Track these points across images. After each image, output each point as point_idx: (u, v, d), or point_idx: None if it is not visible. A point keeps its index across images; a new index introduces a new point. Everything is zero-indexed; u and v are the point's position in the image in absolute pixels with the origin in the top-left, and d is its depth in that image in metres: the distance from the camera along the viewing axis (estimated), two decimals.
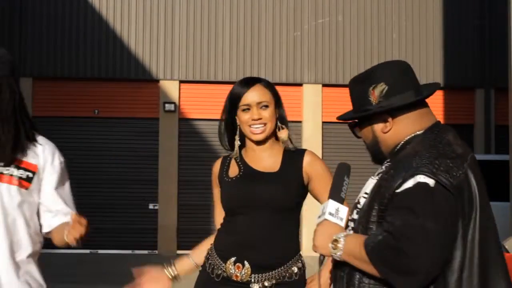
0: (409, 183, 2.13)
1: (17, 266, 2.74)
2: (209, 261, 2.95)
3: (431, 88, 2.40)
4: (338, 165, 2.48)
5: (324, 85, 15.11)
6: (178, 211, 14.48)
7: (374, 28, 15.32)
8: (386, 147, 2.36)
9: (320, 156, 14.75)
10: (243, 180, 2.93)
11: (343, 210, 2.33)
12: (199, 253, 3.03)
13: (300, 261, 2.95)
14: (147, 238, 14.64)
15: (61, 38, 14.56)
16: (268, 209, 2.87)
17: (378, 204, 2.21)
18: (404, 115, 2.29)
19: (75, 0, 14.82)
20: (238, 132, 2.96)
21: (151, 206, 14.79)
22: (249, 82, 2.98)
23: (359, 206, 2.33)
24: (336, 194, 2.36)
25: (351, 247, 2.20)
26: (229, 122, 2.98)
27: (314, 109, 14.99)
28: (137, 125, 14.85)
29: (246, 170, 2.94)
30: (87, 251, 13.51)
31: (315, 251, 2.32)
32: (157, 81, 14.90)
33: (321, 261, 2.38)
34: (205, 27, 15.01)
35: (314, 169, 2.95)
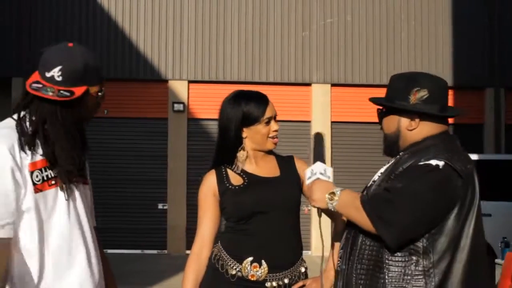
0: (423, 162, 2.48)
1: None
2: (221, 262, 3.07)
3: (455, 111, 2.86)
4: (314, 135, 2.88)
5: (333, 85, 15.09)
6: (187, 211, 14.49)
7: (382, 28, 15.30)
8: (404, 142, 2.66)
9: (329, 156, 14.83)
10: (253, 186, 3.09)
11: (329, 169, 2.73)
12: (194, 283, 3.13)
13: (304, 262, 3.15)
14: (156, 238, 14.67)
15: (70, 39, 14.56)
16: (281, 211, 3.05)
17: (389, 177, 2.56)
18: (428, 121, 2.63)
19: (84, 1, 14.88)
20: (244, 145, 3.15)
21: (160, 206, 14.82)
22: (264, 98, 3.19)
23: (373, 183, 2.67)
24: (320, 157, 2.76)
25: (346, 199, 2.57)
26: (233, 138, 3.14)
27: (322, 109, 14.98)
28: (146, 125, 14.89)
29: (251, 178, 3.12)
30: None
31: (313, 206, 2.69)
32: (166, 81, 14.93)
33: (319, 213, 2.78)
34: (213, 27, 15.03)
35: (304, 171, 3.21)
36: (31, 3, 14.73)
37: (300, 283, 3.07)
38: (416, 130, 2.63)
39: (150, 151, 14.82)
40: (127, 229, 14.56)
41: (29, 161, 2.50)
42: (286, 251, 3.06)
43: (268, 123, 3.11)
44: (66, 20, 14.76)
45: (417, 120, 2.63)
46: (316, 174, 2.69)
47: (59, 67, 2.53)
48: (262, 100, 3.14)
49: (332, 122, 14.98)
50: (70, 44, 2.62)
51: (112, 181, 14.55)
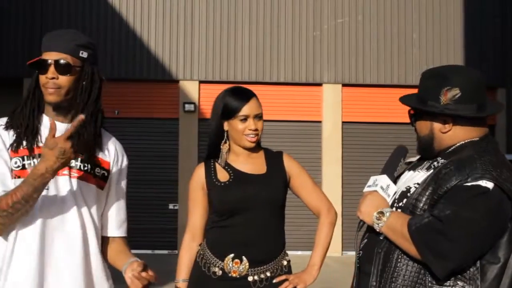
0: (470, 183, 2.28)
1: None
2: (204, 261, 3.16)
3: (495, 107, 2.55)
4: (397, 147, 2.70)
5: (344, 85, 15.06)
6: None
7: (394, 28, 15.25)
8: (439, 145, 2.50)
9: (340, 156, 14.82)
10: (237, 183, 3.15)
11: (393, 188, 2.54)
12: (187, 272, 3.23)
13: (287, 255, 3.22)
14: (167, 238, 14.69)
15: None
16: (263, 208, 3.11)
17: (432, 194, 2.37)
18: (464, 122, 2.45)
19: (95, 1, 14.92)
20: (226, 138, 3.22)
21: (171, 206, 14.85)
22: (247, 95, 3.20)
23: (409, 194, 2.48)
24: (390, 172, 2.59)
25: (394, 223, 2.39)
26: (215, 130, 3.22)
27: (333, 109, 14.95)
28: (157, 125, 14.92)
29: (237, 174, 3.18)
30: None
31: (359, 216, 2.53)
32: (177, 81, 14.95)
33: (360, 226, 2.60)
34: (224, 27, 15.03)
35: (293, 169, 3.26)
36: (43, 5, 14.79)
37: (283, 277, 3.13)
38: (451, 133, 2.46)
39: (161, 151, 14.84)
40: (138, 229, 14.56)
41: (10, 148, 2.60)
42: (268, 246, 3.13)
43: (244, 120, 3.14)
44: (78, 21, 14.80)
45: (450, 122, 2.46)
46: (377, 186, 2.54)
47: None
48: (243, 97, 3.17)
49: (343, 122, 14.94)
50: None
51: None
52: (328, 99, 14.99)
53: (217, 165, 3.22)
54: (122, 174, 2.83)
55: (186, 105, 14.77)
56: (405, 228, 2.33)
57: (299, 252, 12.17)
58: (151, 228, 14.68)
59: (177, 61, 14.95)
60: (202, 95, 14.94)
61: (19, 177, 2.55)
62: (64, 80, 2.59)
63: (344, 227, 14.19)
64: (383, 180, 2.55)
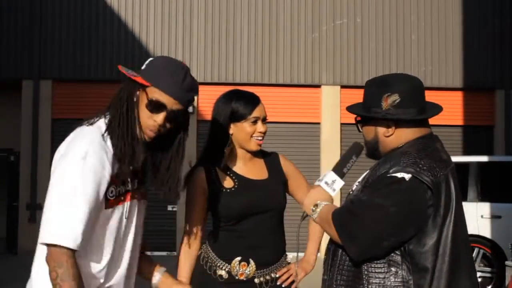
0: (389, 174, 2.44)
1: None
2: (209, 264, 3.16)
3: (435, 110, 2.66)
4: (353, 143, 2.79)
5: (343, 87, 15.08)
6: None
7: (392, 30, 15.27)
8: (384, 148, 2.64)
9: (339, 158, 14.80)
10: (244, 190, 3.15)
11: (339, 183, 2.72)
12: (189, 278, 3.21)
13: (287, 255, 3.32)
14: (165, 240, 14.69)
15: (80, 41, 14.66)
16: (270, 213, 3.15)
17: (362, 189, 2.57)
18: (405, 125, 2.58)
19: (94, 3, 14.93)
20: (230, 143, 3.21)
21: (169, 208, 14.84)
22: (256, 98, 3.23)
23: (351, 192, 2.70)
24: (339, 167, 2.74)
25: (324, 213, 2.59)
26: (220, 134, 3.23)
27: (332, 110, 14.96)
28: None
29: (242, 180, 3.18)
30: None
31: (303, 208, 2.74)
32: None
33: (303, 217, 2.83)
34: (223, 29, 15.04)
35: (289, 170, 3.32)
36: (42, 6, 14.79)
37: (285, 269, 3.22)
38: (394, 136, 2.59)
39: None
40: None
41: (111, 173, 2.42)
42: (273, 248, 3.19)
43: (254, 122, 3.15)
44: (77, 21, 14.81)
45: (393, 126, 2.59)
46: (322, 181, 2.72)
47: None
48: (252, 100, 3.19)
49: (342, 124, 14.96)
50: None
51: None
52: (327, 100, 15.01)
53: (218, 171, 3.20)
54: None
55: None
56: (330, 214, 2.52)
57: (300, 254, 12.18)
58: (150, 230, 14.66)
59: None
60: (201, 97, 14.94)
61: (112, 206, 2.47)
62: (168, 127, 2.51)
63: None
64: (329, 175, 2.72)
